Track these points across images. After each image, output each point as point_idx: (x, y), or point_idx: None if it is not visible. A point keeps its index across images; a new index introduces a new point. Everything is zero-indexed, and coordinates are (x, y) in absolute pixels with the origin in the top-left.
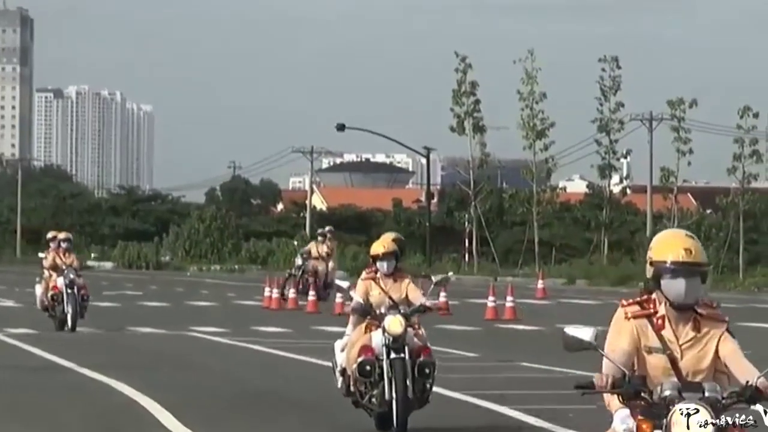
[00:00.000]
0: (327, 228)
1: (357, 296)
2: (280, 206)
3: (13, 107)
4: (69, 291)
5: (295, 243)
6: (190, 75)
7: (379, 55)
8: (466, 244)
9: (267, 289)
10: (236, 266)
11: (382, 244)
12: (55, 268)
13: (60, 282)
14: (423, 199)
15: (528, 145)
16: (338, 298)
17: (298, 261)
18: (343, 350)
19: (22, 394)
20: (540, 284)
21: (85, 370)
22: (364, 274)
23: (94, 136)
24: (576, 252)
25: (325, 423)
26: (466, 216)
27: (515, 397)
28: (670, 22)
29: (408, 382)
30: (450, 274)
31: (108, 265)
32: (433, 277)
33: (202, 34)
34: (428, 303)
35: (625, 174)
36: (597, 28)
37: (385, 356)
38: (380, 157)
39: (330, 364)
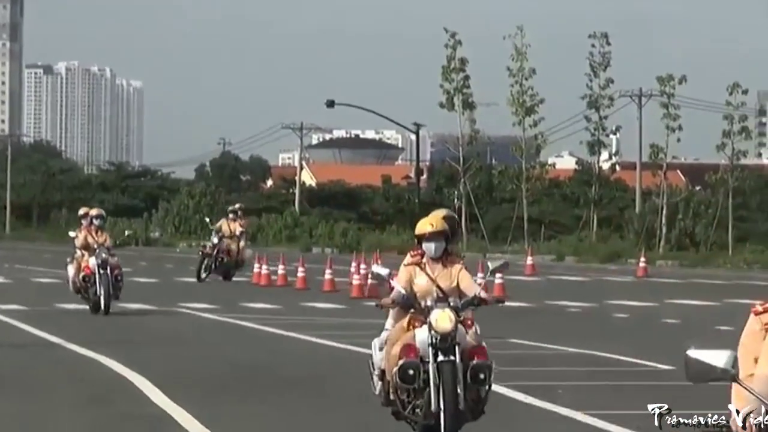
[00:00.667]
0: (238, 205)
1: (398, 285)
2: (269, 182)
3: (3, 83)
4: (101, 272)
5: (207, 220)
6: (180, 51)
7: (368, 31)
8: None
9: (256, 265)
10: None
11: (430, 221)
12: (86, 247)
13: (92, 262)
14: (412, 175)
15: (517, 122)
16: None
17: (214, 239)
18: (382, 349)
19: (11, 370)
20: (529, 261)
21: (73, 346)
22: (408, 259)
23: (83, 112)
24: (565, 229)
25: (316, 399)
26: (456, 192)
27: (504, 374)
28: None
29: (459, 390)
30: (508, 257)
31: None
32: (489, 263)
33: (192, 10)
34: (484, 294)
35: (614, 150)
36: (587, 3)
37: (431, 358)
38: (370, 134)
39: (371, 351)
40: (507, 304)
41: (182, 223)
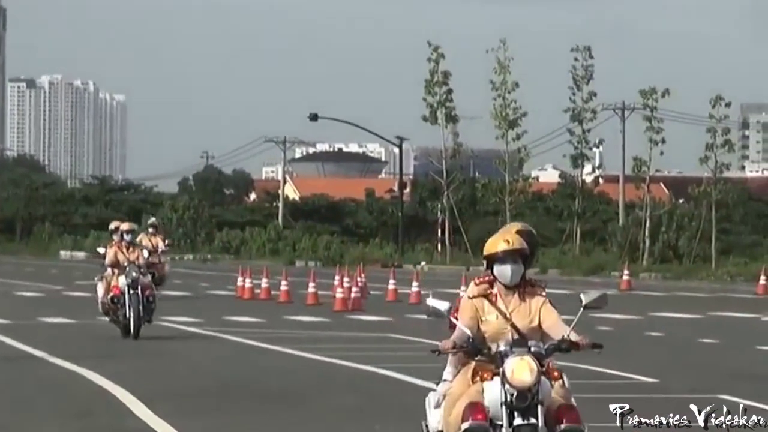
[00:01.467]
0: (154, 219)
1: (461, 324)
2: (252, 196)
3: None
4: (131, 292)
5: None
6: (163, 65)
7: (352, 44)
8: (439, 233)
9: (240, 278)
10: (209, 256)
11: (505, 237)
12: (116, 265)
13: (122, 282)
14: (396, 188)
15: (500, 135)
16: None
17: (145, 254)
18: (439, 406)
19: None
20: None
21: (56, 360)
22: (472, 288)
23: (66, 126)
24: (548, 241)
25: (299, 412)
26: (439, 206)
27: None
28: (643, 11)
29: None
30: (606, 292)
31: (80, 254)
32: (582, 296)
33: (175, 24)
34: (575, 336)
35: (597, 163)
36: (570, 16)
37: (505, 421)
38: (353, 147)
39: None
40: None
41: (165, 236)
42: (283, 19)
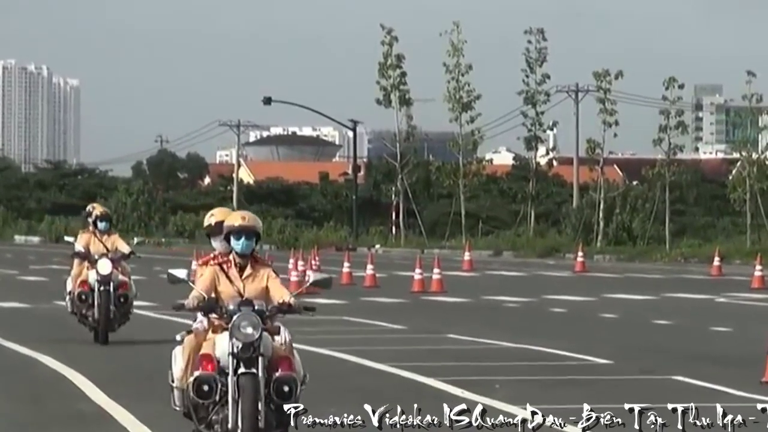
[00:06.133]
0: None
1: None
2: (207, 180)
3: None
4: (242, 374)
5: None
6: (117, 49)
7: (305, 28)
8: (393, 216)
9: (194, 262)
10: (163, 240)
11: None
12: (215, 292)
13: (220, 347)
14: (350, 172)
15: (454, 118)
16: None
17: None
18: None
19: None
20: (467, 256)
21: (10, 344)
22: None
23: (20, 111)
24: (502, 224)
25: None
26: (393, 189)
27: (441, 369)
28: None
29: None
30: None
31: (35, 239)
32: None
33: (129, 7)
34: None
35: (551, 146)
36: None
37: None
38: (307, 131)
39: None
40: (445, 299)
41: (120, 220)
42: (236, 3)
